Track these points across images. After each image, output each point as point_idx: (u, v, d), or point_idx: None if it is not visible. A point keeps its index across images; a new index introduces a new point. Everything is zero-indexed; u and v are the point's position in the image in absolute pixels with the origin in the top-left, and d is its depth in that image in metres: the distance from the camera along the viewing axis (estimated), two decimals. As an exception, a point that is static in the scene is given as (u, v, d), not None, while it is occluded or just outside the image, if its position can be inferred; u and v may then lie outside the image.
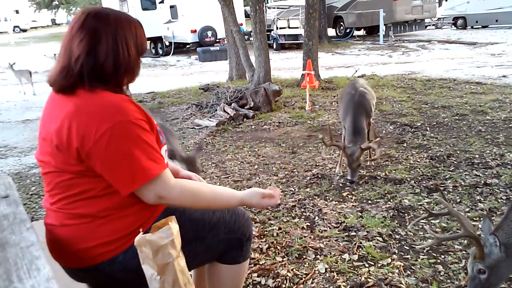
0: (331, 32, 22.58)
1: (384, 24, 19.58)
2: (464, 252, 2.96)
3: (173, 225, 1.46)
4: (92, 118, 1.42)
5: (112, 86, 1.53)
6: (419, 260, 2.92)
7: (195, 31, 19.29)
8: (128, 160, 1.44)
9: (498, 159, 4.62)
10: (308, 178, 4.55)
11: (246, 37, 13.85)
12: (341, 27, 22.59)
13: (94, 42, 1.48)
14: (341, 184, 4.31)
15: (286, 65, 14.09)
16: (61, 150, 1.47)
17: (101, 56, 1.48)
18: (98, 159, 1.44)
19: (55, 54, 19.66)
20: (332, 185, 4.32)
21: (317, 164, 4.96)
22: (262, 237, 3.32)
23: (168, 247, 1.41)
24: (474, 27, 22.83)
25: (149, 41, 21.83)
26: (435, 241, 2.44)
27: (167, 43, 21.05)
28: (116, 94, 1.52)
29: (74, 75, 1.48)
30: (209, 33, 19.34)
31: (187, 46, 20.90)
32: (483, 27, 22.48)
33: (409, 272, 2.80)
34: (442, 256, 2.95)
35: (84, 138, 1.42)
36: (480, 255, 2.19)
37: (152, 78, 13.33)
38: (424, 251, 3.03)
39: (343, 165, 4.61)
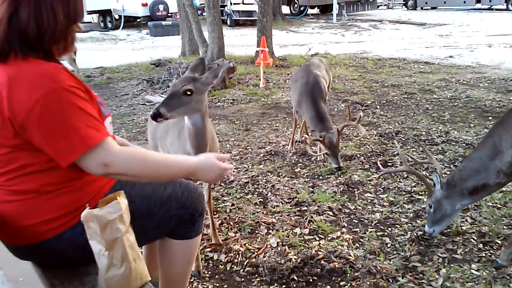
0: (285, 9, 22.54)
1: (338, 3, 19.76)
2: (410, 224, 3.09)
3: (122, 200, 1.42)
4: (22, 87, 1.34)
5: (43, 54, 1.44)
6: (367, 233, 3.02)
7: (146, 4, 18.67)
8: (64, 129, 1.35)
9: (443, 136, 4.81)
10: (262, 155, 4.57)
11: (199, 12, 13.58)
12: (295, 5, 22.66)
13: (15, 5, 1.38)
14: (293, 161, 4.35)
15: (240, 42, 13.95)
16: None
17: (22, 21, 1.38)
18: (33, 130, 1.35)
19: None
20: (285, 162, 4.36)
21: (271, 141, 4.98)
22: (215, 213, 3.31)
23: (116, 222, 1.37)
24: (423, 8, 23.50)
25: (97, 14, 20.96)
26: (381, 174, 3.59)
27: (116, 17, 20.25)
28: (49, 62, 1.43)
29: (0, 40, 1.39)
30: (161, 7, 18.78)
31: (138, 20, 20.23)
32: (432, 8, 23.20)
33: (358, 245, 2.89)
34: (389, 229, 3.06)
35: (16, 108, 1.33)
36: (428, 192, 2.74)
37: (100, 53, 12.85)
38: (372, 224, 3.13)
39: (295, 142, 4.71)
